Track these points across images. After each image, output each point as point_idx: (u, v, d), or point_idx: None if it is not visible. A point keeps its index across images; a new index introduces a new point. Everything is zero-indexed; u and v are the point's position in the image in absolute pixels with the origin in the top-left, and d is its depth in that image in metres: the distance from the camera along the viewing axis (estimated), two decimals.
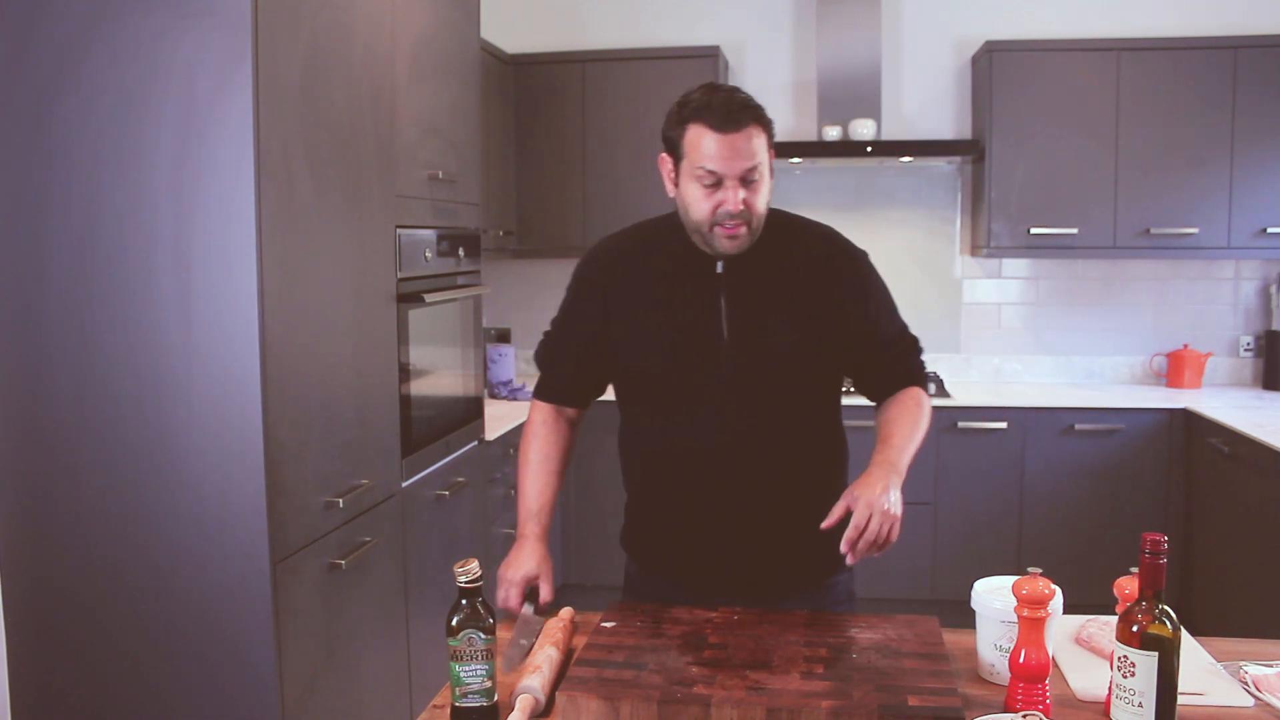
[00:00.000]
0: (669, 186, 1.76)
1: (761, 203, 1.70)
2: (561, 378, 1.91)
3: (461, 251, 3.14)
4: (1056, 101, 4.11)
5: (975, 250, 4.44)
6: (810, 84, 4.50)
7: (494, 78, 4.08)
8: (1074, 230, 4.14)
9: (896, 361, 1.84)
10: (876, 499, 1.56)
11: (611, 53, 4.37)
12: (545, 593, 1.72)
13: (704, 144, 1.65)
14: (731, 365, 1.74)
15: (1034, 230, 4.16)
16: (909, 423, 1.76)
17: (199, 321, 2.00)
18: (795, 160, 4.31)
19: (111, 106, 1.98)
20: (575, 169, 4.40)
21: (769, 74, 4.59)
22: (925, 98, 4.52)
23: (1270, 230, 4.04)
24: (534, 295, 4.81)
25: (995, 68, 4.14)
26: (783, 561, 1.79)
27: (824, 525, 1.58)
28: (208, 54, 1.96)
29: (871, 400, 1.88)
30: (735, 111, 1.65)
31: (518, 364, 4.79)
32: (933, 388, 4.18)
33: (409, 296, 2.70)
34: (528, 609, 1.71)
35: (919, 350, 1.88)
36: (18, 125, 2.01)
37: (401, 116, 2.66)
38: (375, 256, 2.53)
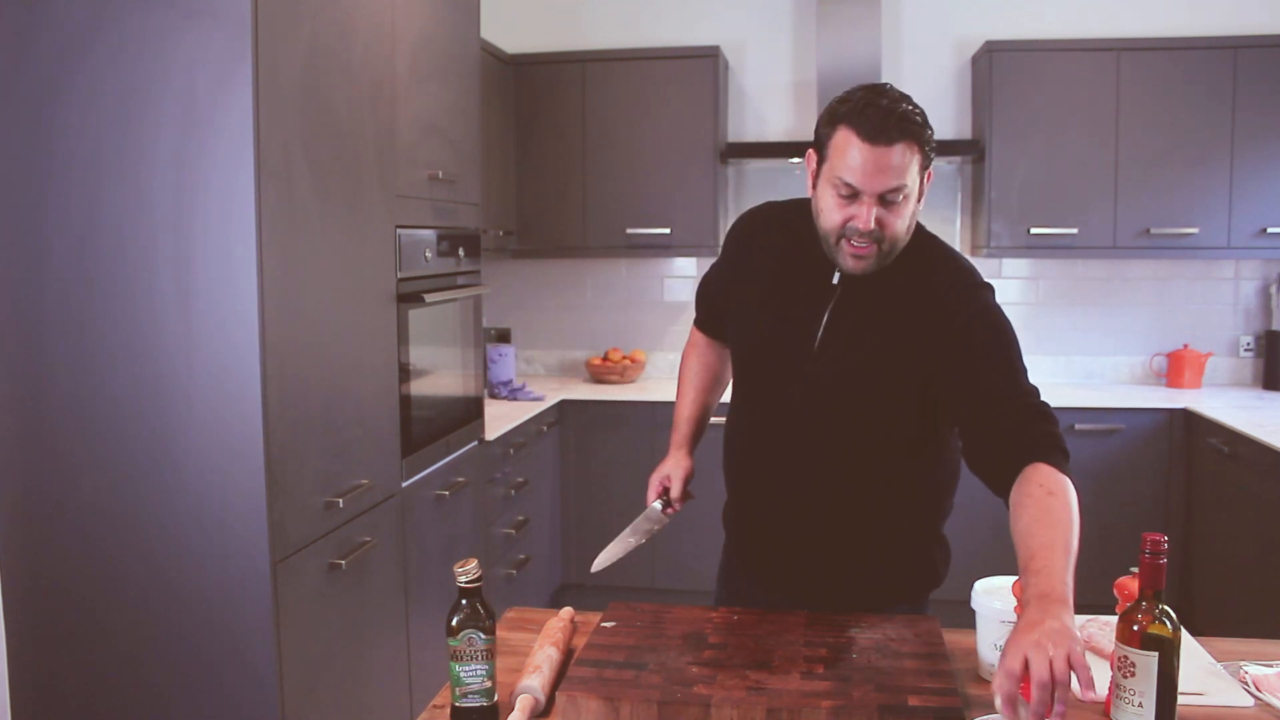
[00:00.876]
0: (808, 185, 1.65)
1: (900, 226, 1.57)
2: (706, 318, 1.99)
3: (461, 251, 3.14)
4: (1056, 101, 4.12)
5: (975, 250, 4.44)
6: (810, 84, 4.50)
7: (494, 78, 4.08)
8: (1074, 230, 4.14)
9: (1012, 428, 1.53)
10: (1051, 645, 1.16)
11: (611, 53, 4.37)
12: (675, 490, 1.82)
13: (849, 152, 1.53)
14: (811, 379, 1.67)
15: (1034, 230, 4.16)
16: (1051, 526, 1.38)
17: (199, 321, 2.00)
18: (795, 160, 4.31)
19: (111, 106, 1.98)
20: (575, 169, 4.40)
21: (769, 74, 4.59)
22: (925, 98, 4.45)
23: (1270, 230, 4.04)
24: (534, 295, 4.81)
25: (995, 68, 4.14)
26: (847, 579, 1.75)
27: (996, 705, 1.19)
28: (208, 54, 1.95)
29: (989, 484, 1.59)
30: (890, 124, 1.50)
31: (518, 364, 4.79)
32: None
33: (409, 296, 2.70)
34: (656, 505, 1.84)
35: (1048, 417, 1.54)
36: (18, 125, 2.01)
37: (401, 116, 2.66)
38: (375, 256, 2.53)
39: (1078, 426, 3.98)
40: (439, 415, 2.98)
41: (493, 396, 4.17)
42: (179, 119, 1.97)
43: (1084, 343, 4.54)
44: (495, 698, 1.40)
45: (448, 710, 1.41)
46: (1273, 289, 4.34)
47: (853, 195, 1.55)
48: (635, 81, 4.33)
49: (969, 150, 4.21)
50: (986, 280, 1.67)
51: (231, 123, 1.96)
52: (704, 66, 4.28)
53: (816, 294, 1.68)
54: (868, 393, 1.65)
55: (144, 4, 1.96)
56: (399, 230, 2.65)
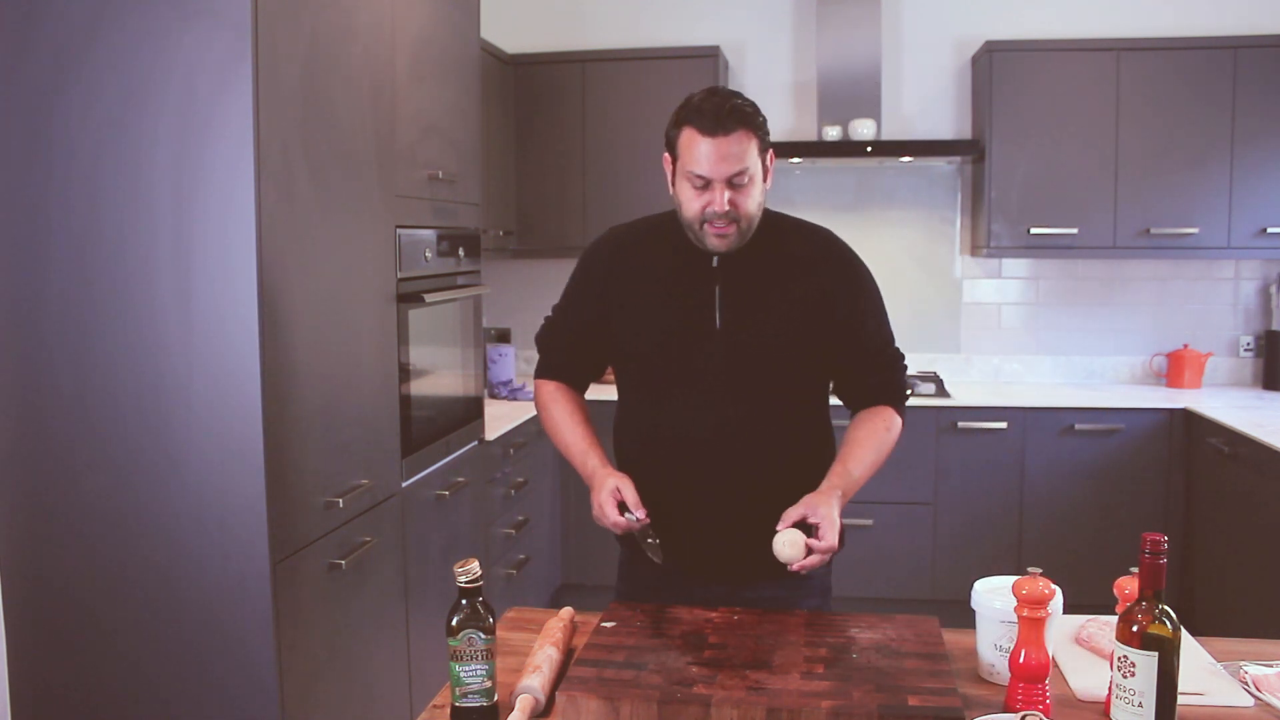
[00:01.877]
0: (669, 184, 1.83)
1: (751, 204, 1.76)
2: (562, 359, 1.98)
3: (461, 251, 3.14)
4: (1056, 101, 4.12)
5: (975, 250, 4.44)
6: (810, 84, 4.50)
7: (494, 78, 4.08)
8: (1074, 230, 4.14)
9: (876, 373, 1.90)
10: (820, 509, 1.67)
11: (611, 53, 4.37)
12: (630, 497, 1.75)
13: (694, 147, 1.72)
14: (723, 354, 1.81)
15: (1034, 230, 4.16)
16: (871, 448, 1.83)
17: (199, 321, 2.00)
18: (795, 160, 4.31)
19: (111, 106, 1.98)
20: (575, 169, 4.40)
21: (769, 74, 4.59)
22: (925, 98, 4.52)
23: (1270, 230, 4.04)
24: (534, 295, 4.80)
25: (995, 68, 4.14)
26: (763, 548, 1.79)
27: (779, 527, 1.66)
28: (208, 54, 1.95)
29: (847, 407, 1.94)
30: (724, 117, 1.70)
31: (518, 364, 4.79)
32: (932, 388, 4.18)
33: (409, 296, 2.70)
34: (629, 518, 1.75)
35: (902, 367, 1.93)
36: (18, 125, 2.01)
37: (401, 116, 2.66)
38: (375, 256, 2.53)
39: (1078, 426, 3.98)
40: (439, 415, 2.98)
41: (493, 396, 4.17)
42: (179, 119, 1.97)
43: (1084, 343, 4.54)
44: (495, 698, 1.40)
45: (448, 710, 1.41)
46: (1273, 289, 4.34)
47: (705, 184, 1.74)
48: (635, 81, 4.33)
49: (969, 150, 4.21)
50: (841, 239, 1.92)
51: (231, 123, 1.96)
52: (704, 66, 4.27)
53: (702, 279, 1.83)
54: (771, 355, 1.82)
55: (144, 4, 1.96)
56: (399, 230, 2.65)
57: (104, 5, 1.97)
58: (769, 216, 1.86)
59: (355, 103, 2.40)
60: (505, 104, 4.29)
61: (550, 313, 2.01)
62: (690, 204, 1.76)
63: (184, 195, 1.98)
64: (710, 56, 4.28)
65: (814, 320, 1.82)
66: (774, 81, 4.58)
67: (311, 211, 2.20)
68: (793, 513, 1.67)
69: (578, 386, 2.00)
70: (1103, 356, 4.53)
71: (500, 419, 3.65)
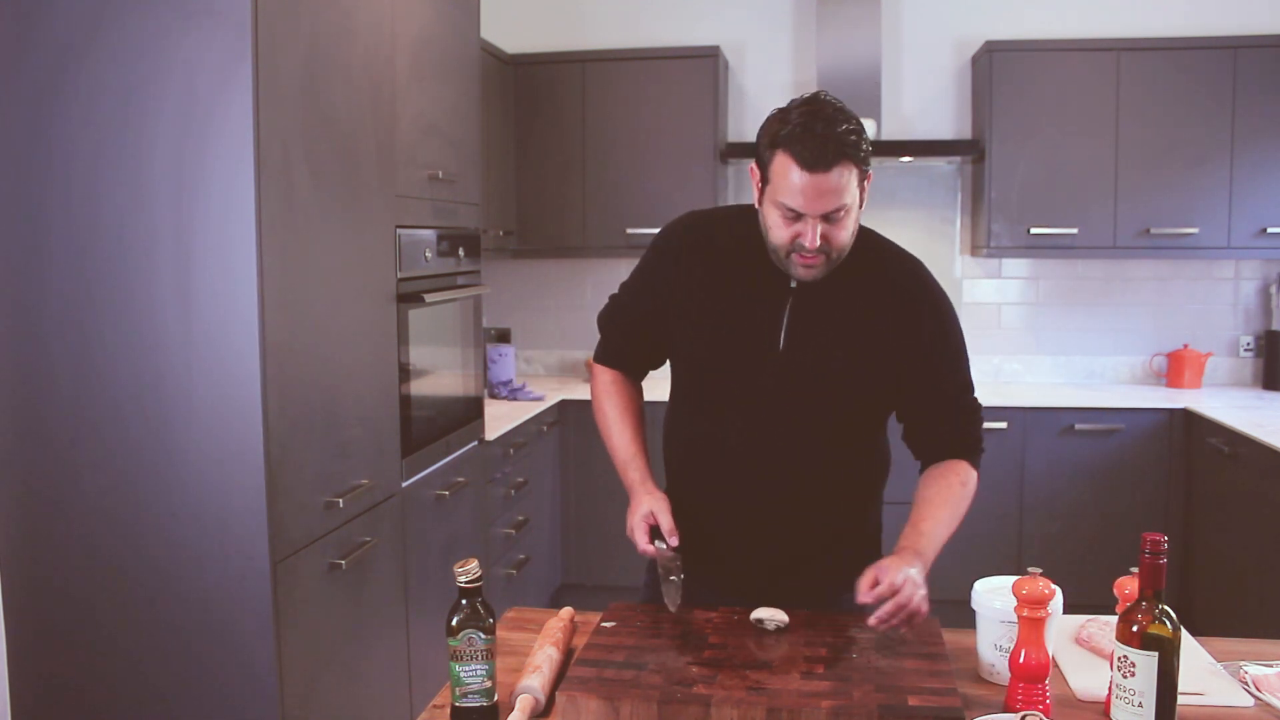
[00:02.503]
0: (755, 197, 1.69)
1: (845, 236, 1.63)
2: (621, 345, 1.88)
3: (461, 251, 3.14)
4: (1056, 101, 4.12)
5: (975, 250, 4.44)
6: (810, 84, 4.50)
7: (494, 78, 4.08)
8: (1074, 230, 4.14)
9: (950, 421, 1.76)
10: (907, 571, 1.52)
11: (611, 53, 4.37)
12: (665, 524, 1.67)
13: (790, 178, 1.57)
14: (780, 379, 1.71)
15: (1034, 230, 4.16)
16: (947, 509, 1.69)
17: (199, 321, 2.00)
18: None
19: (111, 106, 1.98)
20: (575, 169, 4.40)
21: (769, 74, 4.59)
22: (925, 98, 4.51)
23: (1270, 230, 4.04)
24: (534, 295, 4.81)
25: (995, 68, 4.14)
26: (800, 574, 1.78)
27: (858, 599, 1.52)
28: (208, 54, 1.95)
29: (917, 457, 1.80)
30: (828, 150, 1.55)
31: (518, 364, 4.79)
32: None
33: (409, 296, 2.70)
34: (659, 545, 1.67)
35: (979, 419, 1.78)
36: (18, 125, 2.01)
37: (401, 116, 2.66)
38: (375, 256, 2.53)
39: (1078, 426, 3.98)
40: (439, 415, 2.98)
41: (493, 396, 4.17)
42: (179, 119, 1.97)
43: (1084, 343, 4.54)
44: (495, 698, 1.40)
45: (448, 710, 1.41)
46: (1273, 289, 4.34)
47: (797, 216, 1.60)
48: (635, 81, 4.33)
49: (969, 150, 4.21)
50: (926, 268, 1.78)
51: (231, 123, 1.96)
52: (704, 66, 4.27)
53: (775, 296, 1.71)
54: (833, 388, 1.71)
55: (144, 4, 1.96)
56: (399, 230, 2.65)
57: (104, 5, 1.97)
58: (859, 235, 1.70)
59: (355, 103, 2.40)
60: (505, 104, 4.29)
61: (617, 291, 1.89)
62: (778, 231, 1.62)
63: (184, 195, 1.98)
64: (710, 56, 4.28)
65: (884, 356, 1.70)
66: (774, 81, 4.58)
67: (311, 211, 2.20)
68: (864, 580, 1.53)
69: (635, 375, 1.90)
70: (1103, 356, 4.53)
71: (500, 419, 3.65)
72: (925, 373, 1.72)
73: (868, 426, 1.78)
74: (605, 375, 1.89)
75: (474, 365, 3.31)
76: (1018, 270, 4.54)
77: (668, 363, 1.88)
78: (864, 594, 1.51)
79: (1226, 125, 4.02)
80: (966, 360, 1.77)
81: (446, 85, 3.00)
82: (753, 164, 1.67)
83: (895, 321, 1.70)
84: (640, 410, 1.88)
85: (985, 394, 4.34)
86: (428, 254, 2.84)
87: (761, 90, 4.59)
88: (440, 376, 3.01)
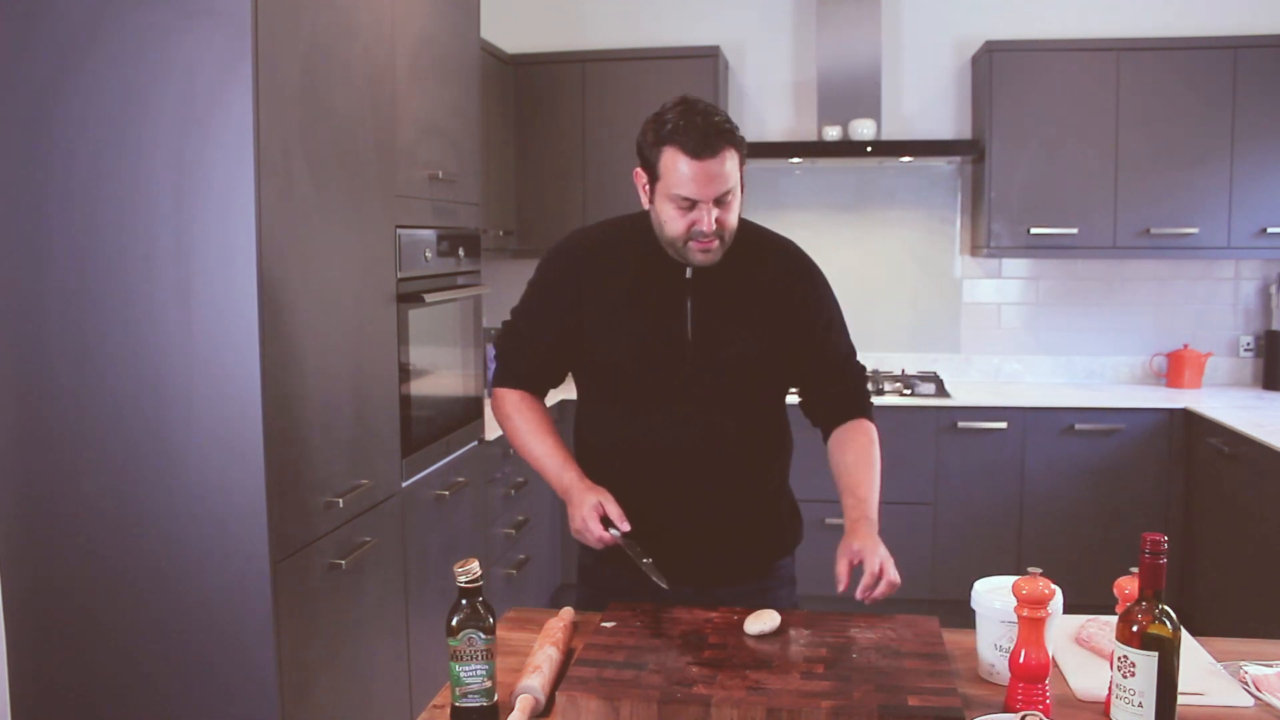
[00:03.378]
0: (644, 199, 1.80)
1: (734, 218, 1.76)
2: (527, 368, 1.93)
3: (461, 251, 3.14)
4: (1056, 101, 4.12)
5: (975, 250, 4.44)
6: (810, 84, 4.50)
7: (494, 78, 4.08)
8: (1074, 230, 4.14)
9: (842, 384, 1.91)
10: (879, 549, 1.68)
11: (611, 53, 4.37)
12: (614, 511, 1.73)
13: (679, 169, 1.69)
14: (693, 365, 1.81)
15: (1034, 230, 4.16)
16: (869, 467, 1.84)
17: (199, 321, 2.00)
18: (795, 160, 4.31)
19: (111, 106, 1.98)
20: (575, 169, 4.40)
21: (769, 74, 4.59)
22: (925, 98, 4.52)
23: (1270, 230, 4.04)
24: None
25: (995, 68, 4.14)
26: (731, 548, 1.87)
27: (840, 589, 1.67)
28: (208, 54, 1.95)
29: (816, 424, 1.95)
30: (711, 137, 1.67)
31: None
32: (932, 388, 4.18)
33: (409, 296, 2.70)
34: (613, 533, 1.72)
35: (866, 378, 1.96)
36: (18, 125, 2.01)
37: (401, 116, 2.66)
38: (375, 256, 2.53)
39: (1078, 426, 3.98)
40: (439, 415, 2.98)
41: None
42: (179, 119, 1.97)
43: (1084, 343, 4.54)
44: (495, 698, 1.40)
45: (448, 710, 1.41)
46: (1273, 289, 4.34)
47: (691, 205, 1.71)
48: (635, 81, 4.33)
49: (969, 150, 4.21)
50: (803, 251, 1.92)
51: (231, 123, 1.96)
52: (704, 66, 4.28)
53: (674, 290, 1.82)
54: (742, 367, 1.82)
55: (144, 4, 1.96)
56: (399, 230, 2.65)
57: (104, 5, 1.97)
58: (740, 224, 1.84)
59: (355, 103, 2.40)
60: (505, 104, 4.29)
61: (510, 316, 1.95)
62: (674, 223, 1.73)
63: (184, 195, 1.98)
64: (710, 56, 4.28)
65: (782, 332, 1.83)
66: (774, 81, 4.58)
67: (311, 211, 2.20)
68: (842, 567, 1.68)
69: (540, 394, 1.96)
70: (1103, 356, 4.53)
71: None
72: (815, 341, 1.87)
73: (774, 402, 1.91)
74: (511, 396, 1.93)
75: (474, 365, 3.31)
76: (1018, 270, 4.54)
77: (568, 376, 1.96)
78: (845, 580, 1.67)
79: (1226, 125, 4.02)
80: (846, 327, 1.93)
81: (446, 85, 3.00)
82: (637, 169, 1.78)
83: (785, 298, 1.84)
84: (552, 421, 1.94)
85: (985, 394, 4.37)
86: (428, 254, 2.84)
87: (761, 90, 4.59)
88: (440, 376, 3.01)
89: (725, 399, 1.82)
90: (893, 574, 1.65)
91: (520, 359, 1.93)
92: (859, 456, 1.85)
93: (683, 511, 1.84)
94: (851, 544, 1.69)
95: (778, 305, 1.84)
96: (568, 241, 1.93)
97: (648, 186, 1.77)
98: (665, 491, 1.83)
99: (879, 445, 1.88)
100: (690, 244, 1.74)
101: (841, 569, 1.67)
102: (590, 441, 1.92)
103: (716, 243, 1.74)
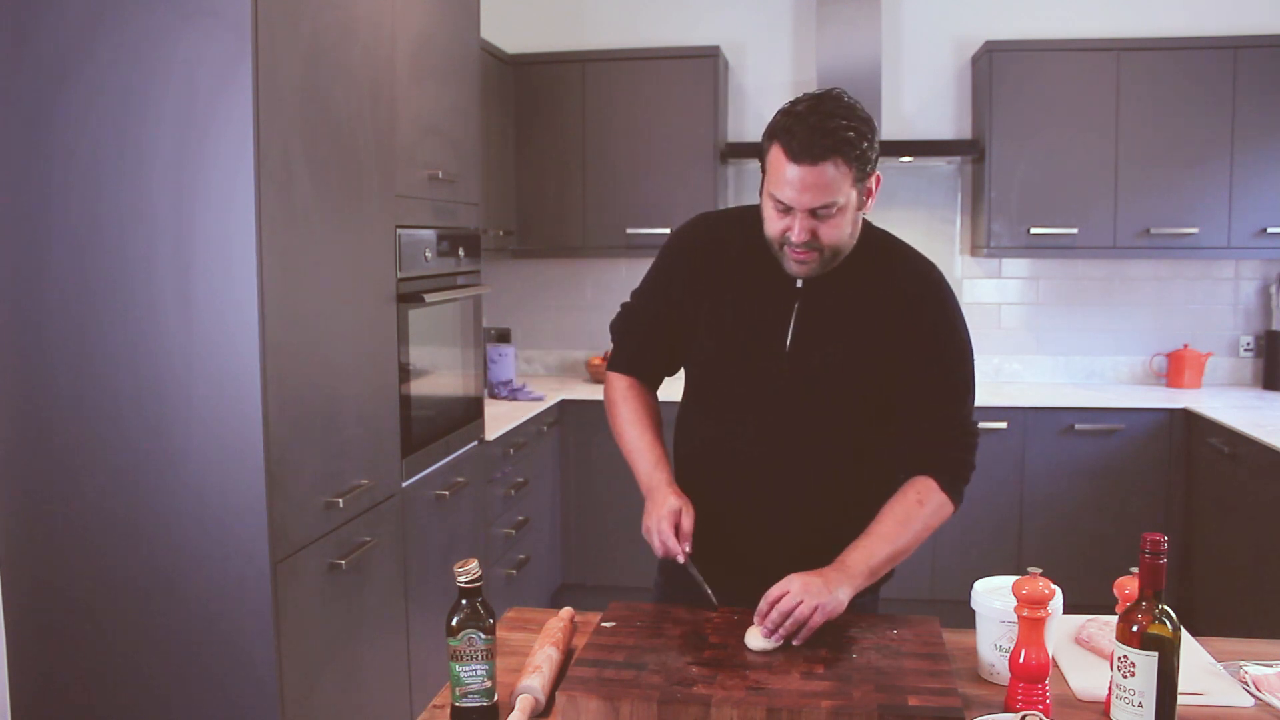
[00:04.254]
0: (760, 189, 1.69)
1: (838, 236, 1.62)
2: (637, 351, 1.86)
3: (461, 251, 3.14)
4: (1056, 101, 4.11)
5: (975, 250, 4.44)
6: (810, 84, 4.50)
7: (494, 78, 4.08)
8: (1074, 230, 4.14)
9: (944, 442, 1.71)
10: (811, 586, 1.52)
11: (611, 53, 4.37)
12: (687, 526, 1.64)
13: (779, 169, 1.58)
14: (787, 378, 1.71)
15: (1034, 230, 4.16)
16: (893, 524, 1.65)
17: (199, 321, 2.00)
18: None
19: (111, 106, 1.98)
20: (575, 169, 4.40)
21: (769, 74, 4.59)
22: (925, 98, 4.51)
23: (1270, 230, 4.04)
24: (534, 295, 4.81)
25: (995, 68, 4.14)
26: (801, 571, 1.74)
27: (757, 613, 1.53)
28: (208, 54, 1.95)
29: (900, 466, 1.74)
30: (815, 143, 1.53)
31: (518, 364, 4.79)
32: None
33: (409, 296, 2.70)
34: (685, 551, 1.63)
35: (970, 447, 1.73)
36: (18, 125, 2.01)
37: (401, 116, 2.66)
38: (375, 256, 2.53)
39: (1078, 426, 3.98)
40: (439, 415, 2.98)
41: (493, 396, 4.17)
42: (179, 119, 1.97)
43: (1084, 343, 4.54)
44: (495, 698, 1.40)
45: (448, 710, 1.41)
46: (1273, 289, 4.34)
47: (787, 210, 1.60)
48: (635, 81, 4.32)
49: (969, 150, 4.21)
50: (943, 276, 1.78)
51: (231, 123, 1.96)
52: (704, 66, 4.27)
53: (781, 297, 1.72)
54: (838, 390, 1.71)
55: (144, 4, 1.96)
56: (399, 230, 2.65)
57: (104, 5, 1.97)
58: (873, 236, 1.73)
59: (355, 103, 2.40)
60: (505, 104, 4.29)
61: (629, 298, 1.89)
62: (771, 224, 1.63)
63: (184, 195, 1.98)
64: (710, 56, 4.28)
65: (889, 362, 1.69)
66: (774, 81, 4.58)
67: (311, 211, 2.20)
68: (770, 592, 1.54)
69: (651, 383, 1.88)
70: (1103, 356, 4.53)
71: (500, 419, 3.65)
72: (918, 371, 1.69)
73: (875, 430, 1.75)
74: (620, 382, 1.87)
75: (474, 365, 3.31)
76: (1018, 270, 4.54)
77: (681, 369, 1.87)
78: (762, 606, 1.52)
79: (1226, 125, 4.02)
80: (967, 385, 1.72)
81: (446, 85, 3.00)
82: (759, 160, 1.67)
83: (901, 326, 1.69)
84: (658, 415, 1.86)
85: (985, 394, 4.37)
86: (428, 254, 2.84)
87: (761, 90, 4.59)
88: (440, 376, 3.01)
89: (818, 418, 1.71)
90: (800, 612, 1.49)
91: (631, 342, 1.87)
92: (891, 509, 1.66)
93: (761, 527, 1.74)
94: (799, 575, 1.55)
95: (892, 329, 1.68)
96: (689, 223, 1.84)
97: (762, 178, 1.66)
98: (747, 503, 1.74)
99: (935, 516, 1.67)
100: (785, 249, 1.64)
101: (768, 594, 1.53)
102: (684, 435, 1.84)
103: (813, 255, 1.62)
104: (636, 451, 1.79)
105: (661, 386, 1.93)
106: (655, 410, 1.86)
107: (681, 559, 1.63)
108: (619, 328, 1.89)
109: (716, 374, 1.77)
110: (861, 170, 1.59)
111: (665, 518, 1.65)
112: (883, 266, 1.72)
